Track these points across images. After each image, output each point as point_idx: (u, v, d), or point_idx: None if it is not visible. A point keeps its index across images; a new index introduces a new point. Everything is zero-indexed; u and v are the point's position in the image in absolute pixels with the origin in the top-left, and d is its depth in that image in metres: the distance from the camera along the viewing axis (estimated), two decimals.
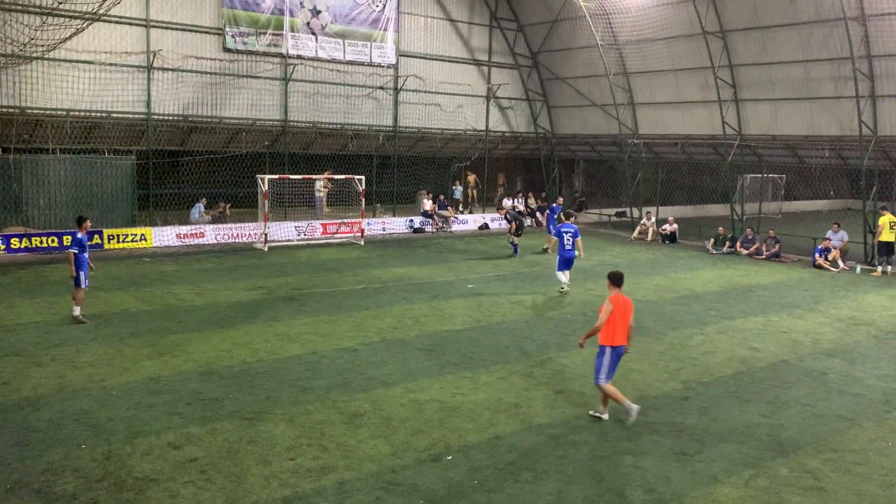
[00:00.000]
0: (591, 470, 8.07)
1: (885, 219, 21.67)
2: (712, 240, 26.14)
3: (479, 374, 11.26)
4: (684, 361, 12.31)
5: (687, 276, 20.66)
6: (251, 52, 26.07)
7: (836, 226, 23.80)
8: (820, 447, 8.86)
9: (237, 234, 24.79)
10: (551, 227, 24.11)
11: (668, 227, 28.37)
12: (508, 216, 24.55)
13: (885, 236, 21.70)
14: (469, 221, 31.18)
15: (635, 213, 31.40)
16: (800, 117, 25.57)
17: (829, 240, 23.44)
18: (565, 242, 17.39)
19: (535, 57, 33.69)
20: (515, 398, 10.24)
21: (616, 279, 9.55)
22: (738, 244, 25.50)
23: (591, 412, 9.70)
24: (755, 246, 24.95)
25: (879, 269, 21.87)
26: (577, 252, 17.43)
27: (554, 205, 25.49)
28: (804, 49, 24.41)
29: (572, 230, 17.52)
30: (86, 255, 13.75)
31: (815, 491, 7.72)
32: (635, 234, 28.86)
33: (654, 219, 29.34)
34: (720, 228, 26.54)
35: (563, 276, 17.66)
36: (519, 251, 23.62)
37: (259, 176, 24.09)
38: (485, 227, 31.26)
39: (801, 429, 9.44)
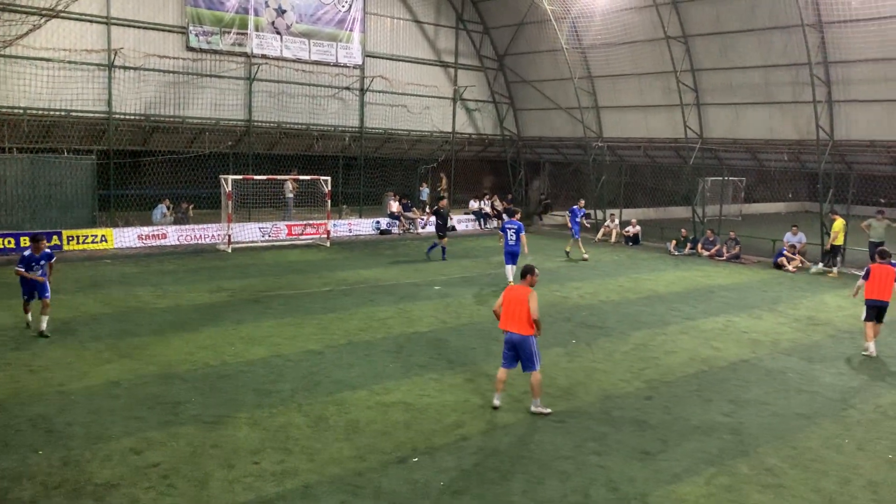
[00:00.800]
0: (557, 470, 8.12)
1: (840, 223, 22.39)
2: (674, 241, 26.52)
3: (445, 376, 11.27)
4: (647, 361, 12.46)
5: (650, 278, 20.92)
6: (215, 52, 25.76)
7: (794, 228, 24.31)
8: (779, 445, 9.03)
9: (200, 236, 24.47)
10: (575, 229, 23.88)
11: (631, 229, 28.71)
12: (436, 217, 23.43)
13: (839, 240, 22.42)
14: (433, 224, 31.14)
15: (599, 215, 31.72)
16: (759, 121, 26.07)
17: (788, 241, 23.95)
18: (509, 238, 18.46)
19: (502, 59, 33.85)
20: (482, 399, 10.27)
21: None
22: (700, 246, 25.92)
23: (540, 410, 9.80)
24: (716, 248, 25.37)
25: (835, 269, 22.42)
26: (522, 248, 18.35)
27: (575, 207, 24.56)
28: (763, 55, 24.91)
29: (516, 226, 18.56)
30: (40, 273, 12.62)
31: (775, 488, 7.87)
32: (599, 235, 29.15)
33: (617, 221, 29.67)
34: (682, 230, 26.93)
35: (510, 272, 18.48)
36: (446, 255, 22.90)
37: (222, 176, 23.81)
38: (451, 228, 31.28)
39: (761, 427, 9.61)
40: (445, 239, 23.04)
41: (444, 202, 24.28)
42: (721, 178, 32.98)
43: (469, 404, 10.06)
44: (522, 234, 18.43)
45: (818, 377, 11.88)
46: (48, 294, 12.86)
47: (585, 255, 23.81)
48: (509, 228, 18.60)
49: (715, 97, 27.03)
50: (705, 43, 26.34)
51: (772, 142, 26.06)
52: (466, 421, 9.45)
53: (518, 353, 9.66)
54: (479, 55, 33.75)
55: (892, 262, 13.75)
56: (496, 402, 9.92)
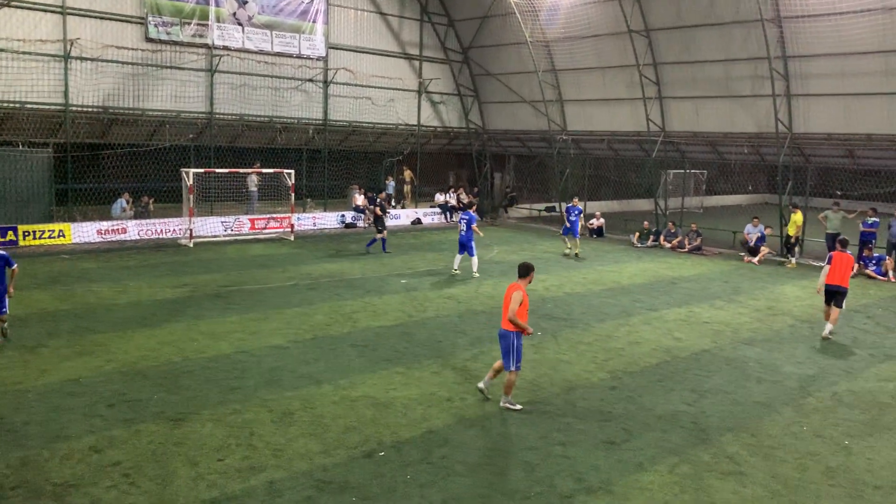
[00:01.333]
0: (523, 461, 8.17)
1: (799, 216, 23.07)
2: (637, 234, 26.84)
3: (412, 370, 11.26)
4: (611, 352, 12.60)
5: (613, 269, 21.14)
6: (175, 43, 25.29)
7: (755, 220, 24.75)
8: (739, 433, 9.20)
9: (161, 230, 24.08)
10: (575, 228, 23.10)
11: (595, 222, 28.97)
12: (378, 209, 22.99)
13: (794, 231, 23.08)
14: (402, 217, 31.12)
15: (564, 207, 31.92)
16: (720, 115, 26.46)
17: (748, 233, 24.40)
18: (461, 228, 19.02)
19: (466, 52, 33.83)
20: (448, 392, 10.29)
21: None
22: (662, 238, 26.27)
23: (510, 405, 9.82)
24: (678, 239, 25.73)
25: (794, 260, 22.91)
26: (474, 235, 18.94)
27: (570, 205, 23.50)
28: (724, 49, 25.27)
29: (468, 217, 19.11)
30: None
31: (736, 475, 8.02)
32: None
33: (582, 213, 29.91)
34: (645, 223, 27.26)
35: (457, 261, 19.29)
36: (386, 247, 22.62)
37: (184, 170, 23.44)
38: (417, 222, 31.27)
39: (722, 416, 9.79)
40: (384, 232, 22.60)
41: (384, 195, 24.19)
42: (683, 171, 33.43)
43: (436, 397, 10.07)
44: (474, 225, 19.00)
45: (777, 366, 12.13)
46: (5, 309, 11.85)
47: (577, 251, 23.38)
48: (462, 219, 19.20)
49: (677, 91, 27.35)
50: (667, 37, 26.62)
51: (732, 135, 26.46)
52: (434, 414, 9.46)
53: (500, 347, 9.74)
54: (443, 48, 33.68)
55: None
56: (481, 385, 10.09)
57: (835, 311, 13.82)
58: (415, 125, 33.03)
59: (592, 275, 20.10)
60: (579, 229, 23.45)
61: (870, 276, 20.94)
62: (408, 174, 33.98)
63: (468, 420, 9.32)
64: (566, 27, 28.98)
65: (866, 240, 22.06)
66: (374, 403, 9.77)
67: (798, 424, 9.57)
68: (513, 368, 9.54)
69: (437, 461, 8.11)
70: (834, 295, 13.75)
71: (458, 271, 19.25)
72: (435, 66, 33.63)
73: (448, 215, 32.46)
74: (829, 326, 13.84)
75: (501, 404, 9.78)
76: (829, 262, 13.87)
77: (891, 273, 20.80)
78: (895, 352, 13.21)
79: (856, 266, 15.97)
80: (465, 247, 19.02)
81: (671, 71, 27.15)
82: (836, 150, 24.64)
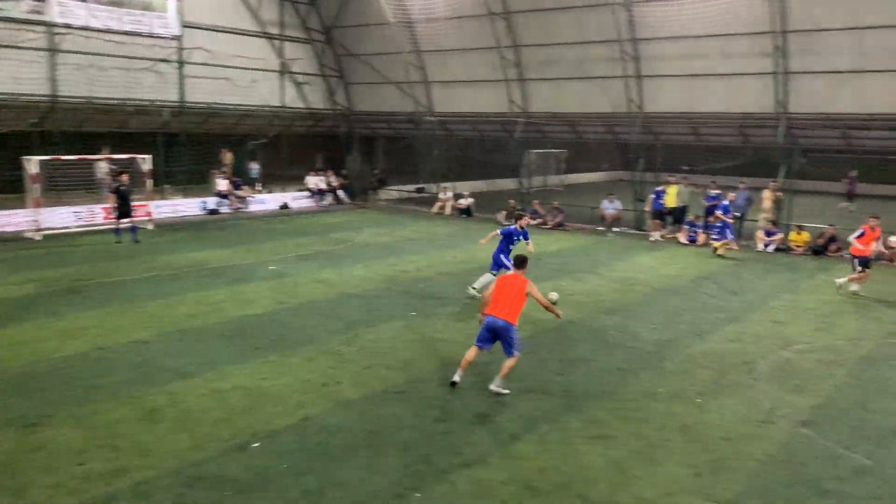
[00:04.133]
0: (400, 441, 8.25)
1: (675, 189, 24.26)
2: (504, 212, 27.55)
3: (285, 357, 11.06)
4: None
5: (482, 248, 21.56)
6: (9, 20, 23.19)
7: (611, 195, 26.05)
8: (605, 399, 9.72)
9: (3, 223, 22.18)
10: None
11: (463, 202, 29.47)
12: (117, 195, 20.73)
13: (673, 203, 24.22)
14: (268, 201, 30.31)
15: (434, 189, 32.24)
16: (578, 96, 27.55)
17: (605, 208, 25.66)
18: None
19: (329, 32, 33.25)
20: (323, 377, 10.19)
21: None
22: (528, 217, 27.08)
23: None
24: (542, 217, 26.65)
25: (658, 233, 24.05)
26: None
27: (512, 227, 16.79)
28: (580, 32, 26.26)
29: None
30: None
31: (602, 438, 8.47)
32: (435, 209, 29.67)
33: (450, 194, 30.32)
34: (510, 201, 28.02)
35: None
36: (137, 235, 21.03)
37: (26, 157, 21.65)
38: (285, 206, 30.57)
39: (589, 383, 10.29)
40: (130, 218, 20.82)
41: (125, 176, 21.12)
42: (544, 151, 34.59)
43: (311, 384, 9.95)
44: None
45: (636, 333, 12.88)
46: None
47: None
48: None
49: (537, 72, 28.19)
50: (526, 19, 27.33)
51: (588, 115, 27.65)
52: (309, 401, 9.35)
53: (499, 338, 9.75)
54: (305, 27, 32.92)
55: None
56: (456, 378, 9.87)
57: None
58: (279, 107, 32.17)
59: (463, 254, 20.45)
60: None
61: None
62: (227, 156, 31.71)
63: (344, 404, 9.29)
64: (430, 8, 29.10)
65: (710, 211, 23.78)
66: (247, 394, 9.52)
67: (657, 387, 10.22)
68: (515, 354, 9.69)
69: (313, 448, 8.03)
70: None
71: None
72: (298, 47, 32.86)
73: (319, 198, 31.93)
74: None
75: (492, 388, 9.75)
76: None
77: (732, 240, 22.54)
78: (739, 314, 14.34)
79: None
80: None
81: (531, 53, 27.94)
82: (683, 128, 26.33)
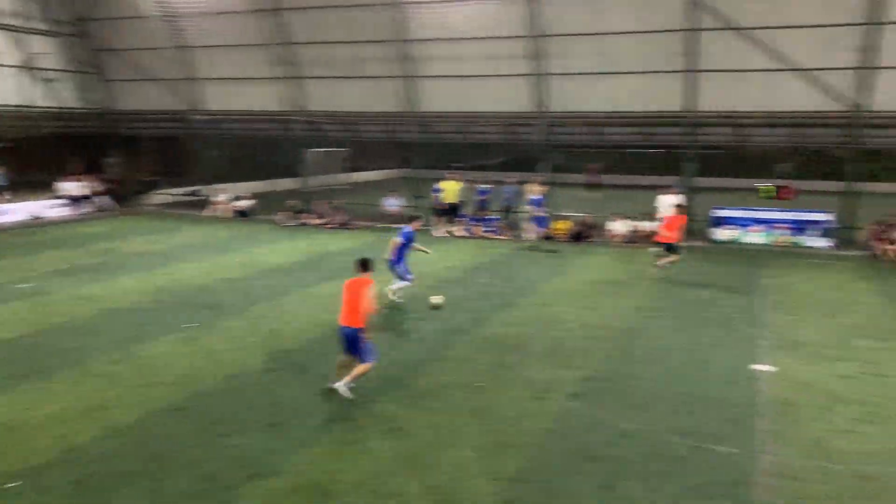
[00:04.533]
0: (184, 461, 7.79)
1: (453, 184, 25.05)
2: (285, 213, 27.03)
3: (48, 383, 9.97)
4: (267, 334, 12.55)
5: (263, 251, 21.04)
6: None
7: (393, 192, 26.59)
8: (394, 392, 9.83)
9: None
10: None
11: (241, 203, 28.49)
12: None
13: (451, 199, 25.00)
14: (17, 211, 27.08)
15: (208, 190, 30.80)
16: (355, 95, 27.68)
17: (387, 205, 26.14)
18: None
19: (84, 25, 30.40)
20: (93, 402, 9.33)
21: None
22: (310, 216, 26.84)
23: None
24: (327, 217, 26.52)
25: (443, 229, 24.88)
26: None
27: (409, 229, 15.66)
28: (354, 31, 26.38)
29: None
30: None
31: (395, 432, 8.59)
32: (209, 211, 28.36)
33: (227, 195, 29.16)
34: (292, 202, 27.54)
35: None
36: None
37: None
38: (36, 217, 27.52)
39: (379, 378, 10.26)
40: None
41: None
42: (325, 150, 34.40)
43: (78, 410, 9.07)
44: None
45: (419, 325, 13.23)
46: None
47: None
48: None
49: (314, 71, 27.91)
50: (300, 17, 26.94)
51: (367, 114, 27.94)
52: (77, 429, 8.51)
53: (350, 346, 9.48)
54: (52, 19, 29.80)
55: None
56: (331, 384, 9.64)
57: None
58: (23, 106, 28.87)
59: (242, 258, 19.76)
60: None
61: (488, 238, 23.89)
62: None
63: (118, 429, 8.57)
64: (197, 2, 27.67)
65: (482, 205, 25.17)
66: (4, 429, 8.46)
67: (442, 375, 10.57)
68: (370, 361, 9.50)
69: (84, 479, 7.33)
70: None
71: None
72: (47, 40, 29.66)
73: (77, 206, 29.10)
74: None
75: (334, 385, 9.52)
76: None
77: (503, 232, 24.04)
78: (513, 299, 15.27)
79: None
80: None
81: (307, 51, 27.60)
82: (456, 127, 27.50)
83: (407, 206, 27.00)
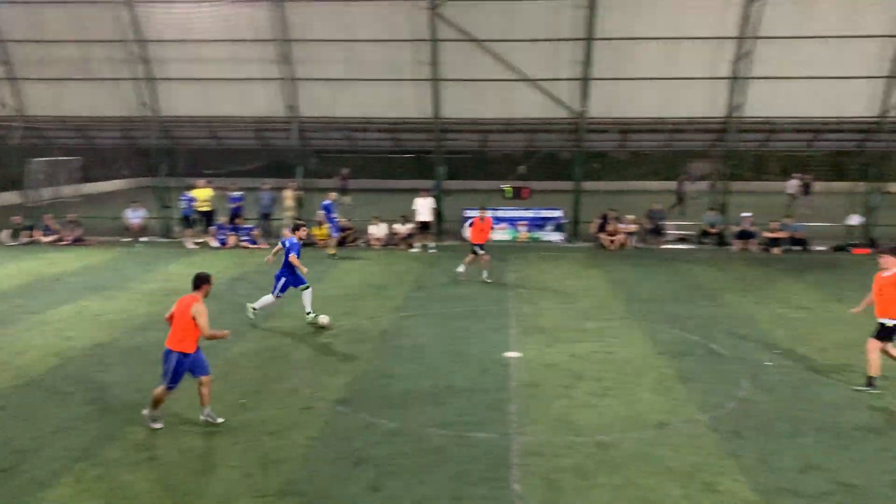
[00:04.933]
0: None
1: (205, 191, 24.06)
2: (9, 231, 23.98)
3: None
4: None
5: None
6: None
7: (135, 203, 24.83)
8: (141, 419, 9.09)
9: None
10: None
11: None
12: None
13: (204, 207, 23.86)
14: None
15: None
16: (85, 98, 25.28)
17: (128, 217, 24.38)
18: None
19: None
20: None
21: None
22: (38, 233, 24.07)
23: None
24: (56, 234, 23.95)
25: (194, 240, 23.45)
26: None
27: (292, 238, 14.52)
28: (79, 29, 24.02)
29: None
30: None
31: (147, 461, 7.97)
32: None
33: None
34: (16, 218, 24.51)
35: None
36: None
37: None
38: None
39: (124, 408, 9.50)
40: None
41: None
42: (52, 159, 31.09)
43: None
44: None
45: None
46: None
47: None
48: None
49: (31, 72, 25.04)
50: (12, 12, 24.06)
51: (100, 119, 25.71)
52: None
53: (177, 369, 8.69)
54: None
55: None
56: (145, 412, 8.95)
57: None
58: None
59: None
60: None
61: (244, 247, 23.09)
62: None
63: None
64: None
65: (236, 213, 24.31)
66: None
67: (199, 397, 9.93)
68: (165, 385, 8.71)
69: None
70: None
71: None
72: None
73: None
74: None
75: (206, 412, 9.00)
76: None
77: (260, 240, 23.39)
78: (273, 310, 14.86)
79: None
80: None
81: (22, 49, 24.69)
82: (201, 132, 26.26)
83: (150, 218, 25.25)
